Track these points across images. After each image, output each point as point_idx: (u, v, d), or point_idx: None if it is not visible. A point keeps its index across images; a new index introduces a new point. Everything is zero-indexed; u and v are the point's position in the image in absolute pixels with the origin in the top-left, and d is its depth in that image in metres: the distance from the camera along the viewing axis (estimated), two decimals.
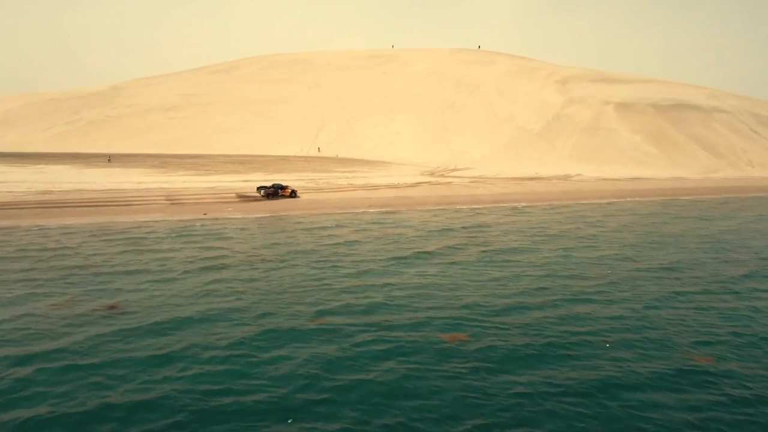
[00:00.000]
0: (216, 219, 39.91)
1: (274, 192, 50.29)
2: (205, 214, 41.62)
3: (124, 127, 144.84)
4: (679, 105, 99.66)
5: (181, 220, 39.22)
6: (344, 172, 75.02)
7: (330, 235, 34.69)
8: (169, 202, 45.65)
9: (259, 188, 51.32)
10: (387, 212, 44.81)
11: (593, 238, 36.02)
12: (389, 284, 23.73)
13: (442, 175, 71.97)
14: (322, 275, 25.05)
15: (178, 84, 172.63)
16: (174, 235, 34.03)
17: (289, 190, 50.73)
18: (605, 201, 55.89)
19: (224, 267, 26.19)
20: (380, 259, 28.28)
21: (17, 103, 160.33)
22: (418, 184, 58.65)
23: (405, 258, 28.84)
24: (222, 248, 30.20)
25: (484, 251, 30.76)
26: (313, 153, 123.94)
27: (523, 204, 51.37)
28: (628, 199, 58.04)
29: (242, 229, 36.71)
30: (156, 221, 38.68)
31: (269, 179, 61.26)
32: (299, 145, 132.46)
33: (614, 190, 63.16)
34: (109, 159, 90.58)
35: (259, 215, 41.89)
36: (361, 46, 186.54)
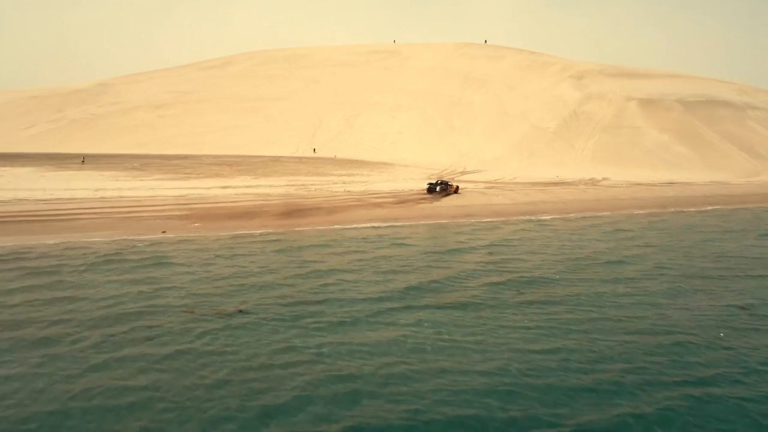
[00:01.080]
0: (173, 240, 31.34)
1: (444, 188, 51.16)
2: (163, 232, 33.08)
3: (109, 126, 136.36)
4: (709, 101, 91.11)
5: (128, 240, 30.64)
6: (341, 175, 66.46)
7: (307, 262, 26.11)
8: (120, 215, 37.07)
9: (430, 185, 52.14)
10: (388, 226, 36.32)
11: (660, 268, 27.40)
12: (381, 352, 15.14)
13: (452, 179, 63.39)
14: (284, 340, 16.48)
15: (168, 80, 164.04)
16: (102, 262, 25.46)
17: (454, 186, 51.61)
18: (645, 211, 47.32)
19: (146, 327, 17.58)
20: (371, 299, 19.73)
21: None
22: (424, 193, 50.04)
23: (403, 297, 20.31)
24: (157, 285, 21.61)
25: (515, 290, 22.19)
26: (309, 153, 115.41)
27: (552, 216, 42.87)
28: (672, 209, 49.35)
29: (202, 250, 28.11)
30: (94, 242, 30.08)
31: (253, 185, 52.72)
32: (294, 144, 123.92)
33: (654, 197, 54.55)
34: (83, 160, 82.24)
35: (223, 234, 33.33)
36: (361, 41, 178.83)
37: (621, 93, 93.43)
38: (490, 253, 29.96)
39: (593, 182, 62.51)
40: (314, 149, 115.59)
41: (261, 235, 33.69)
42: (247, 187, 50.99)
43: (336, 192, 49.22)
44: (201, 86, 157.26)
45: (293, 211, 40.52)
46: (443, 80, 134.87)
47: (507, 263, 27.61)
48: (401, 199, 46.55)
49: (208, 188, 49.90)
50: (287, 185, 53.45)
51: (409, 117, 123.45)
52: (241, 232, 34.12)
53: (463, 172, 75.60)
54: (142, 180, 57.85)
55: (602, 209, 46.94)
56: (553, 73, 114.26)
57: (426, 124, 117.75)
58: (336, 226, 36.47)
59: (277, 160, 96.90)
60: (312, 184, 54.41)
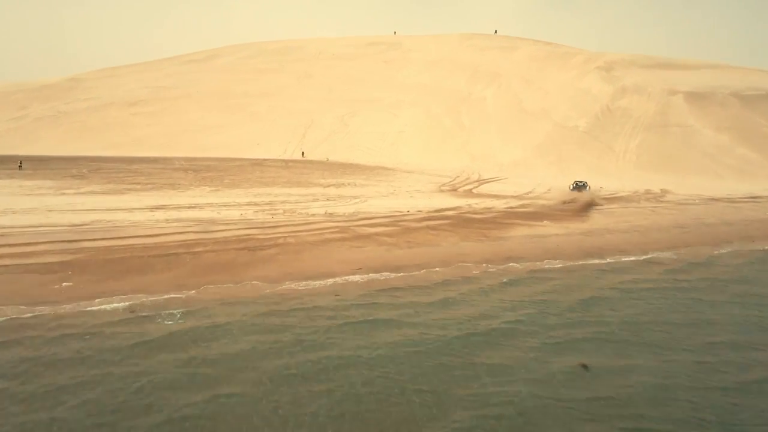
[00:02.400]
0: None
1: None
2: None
3: (76, 125, 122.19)
4: None
5: None
6: (328, 186, 52.22)
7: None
8: None
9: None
10: (387, 290, 22.03)
11: None
12: None
13: (470, 192, 49.03)
14: None
15: (146, 75, 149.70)
16: None
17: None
18: (761, 247, 32.91)
19: None
20: None
21: None
22: (440, 212, 35.57)
23: None
24: None
25: None
26: (298, 156, 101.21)
27: (631, 256, 28.64)
28: None
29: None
30: None
31: (202, 203, 38.39)
32: (282, 145, 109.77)
33: (750, 220, 40.17)
34: (20, 165, 68.21)
35: (96, 305, 19.02)
36: (358, 33, 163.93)
37: (661, 86, 79.09)
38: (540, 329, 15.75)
39: (654, 197, 48.23)
40: (303, 152, 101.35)
41: (160, 306, 19.41)
42: (190, 208, 36.63)
43: (313, 216, 34.89)
44: (182, 81, 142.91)
45: (240, 250, 26.25)
46: (450, 74, 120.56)
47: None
48: (406, 227, 32.22)
49: (133, 209, 35.50)
50: (250, 204, 39.10)
51: (411, 114, 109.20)
52: (134, 300, 19.82)
53: (479, 181, 61.22)
54: (62, 195, 43.48)
55: (694, 241, 32.53)
56: (575, 64, 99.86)
57: (431, 122, 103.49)
58: (297, 285, 22.18)
59: (258, 164, 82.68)
60: (285, 202, 40.07)
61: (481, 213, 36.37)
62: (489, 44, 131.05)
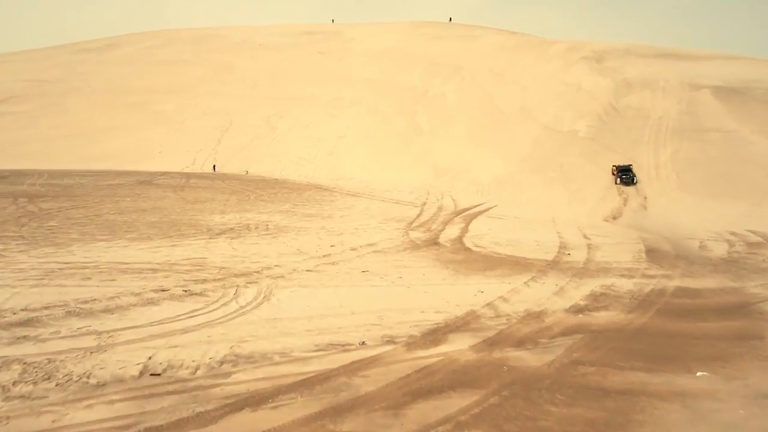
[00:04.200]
0: None
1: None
2: None
3: None
4: None
5: None
6: (220, 234, 30.26)
7: None
8: None
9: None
10: None
11: None
12: None
13: (460, 245, 28.10)
14: None
15: (24, 65, 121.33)
16: None
17: None
18: None
19: None
20: None
21: None
22: (434, 342, 15.06)
23: None
24: None
25: None
26: (208, 169, 77.87)
27: None
28: None
29: None
30: None
31: None
32: (191, 154, 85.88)
33: None
34: None
35: None
36: (289, 21, 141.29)
37: (678, 79, 61.33)
38: None
39: (748, 246, 28.90)
40: (214, 166, 78.07)
41: None
42: None
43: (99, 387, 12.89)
44: (70, 74, 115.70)
45: None
46: (399, 67, 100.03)
47: None
48: None
49: None
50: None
51: (354, 115, 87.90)
52: None
53: (459, 214, 40.56)
54: None
55: None
56: (555, 54, 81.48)
57: (379, 124, 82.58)
58: None
59: (146, 182, 58.98)
60: (89, 301, 18.06)
61: (526, 335, 15.68)
62: (444, 33, 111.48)
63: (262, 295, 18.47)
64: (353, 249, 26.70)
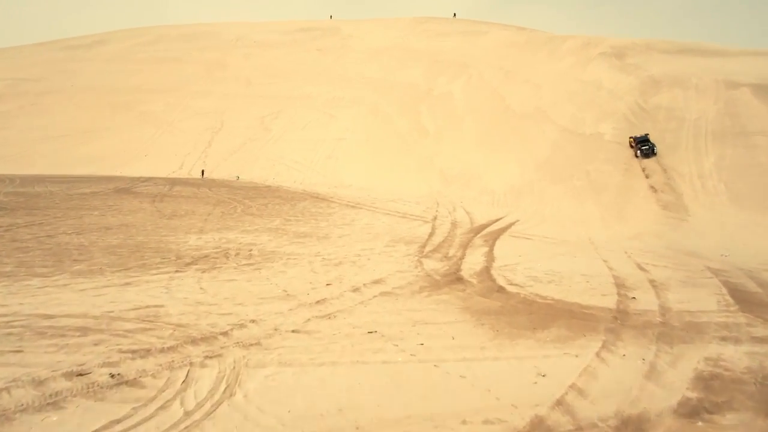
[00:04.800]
0: None
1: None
2: None
3: None
4: None
5: None
6: (189, 264, 24.56)
7: None
8: None
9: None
10: None
11: None
12: None
13: (490, 282, 22.42)
14: None
15: (5, 63, 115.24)
16: None
17: None
18: None
19: None
20: None
21: None
22: None
23: None
24: None
25: None
26: (197, 174, 72.06)
27: None
28: None
29: None
30: None
31: None
32: (179, 157, 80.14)
33: None
34: None
35: None
36: (286, 18, 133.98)
37: (710, 76, 55.50)
38: None
39: None
40: (203, 171, 72.31)
41: None
42: None
43: None
44: (53, 72, 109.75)
45: None
46: (401, 64, 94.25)
47: None
48: None
49: None
50: None
51: (353, 115, 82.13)
52: None
53: (478, 232, 34.72)
54: None
55: None
56: (569, 51, 75.68)
57: (381, 126, 76.83)
58: None
59: (124, 191, 52.98)
60: None
61: None
62: (448, 29, 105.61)
63: (224, 386, 12.53)
64: (355, 289, 20.81)
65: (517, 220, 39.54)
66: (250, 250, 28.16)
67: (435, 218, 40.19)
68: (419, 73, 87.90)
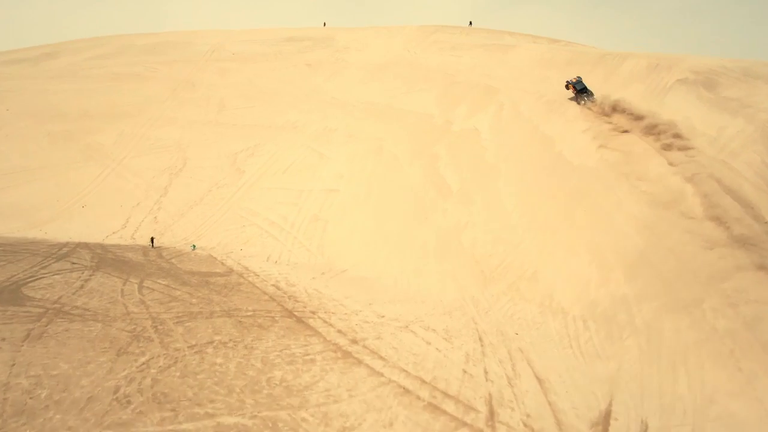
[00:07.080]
0: None
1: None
2: None
3: None
4: None
5: None
6: None
7: None
8: None
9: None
10: None
11: None
12: None
13: None
14: None
15: None
16: None
17: None
18: None
19: None
20: None
21: None
22: None
23: None
24: None
25: None
26: (145, 240, 53.54)
27: None
28: None
29: None
30: None
31: None
32: (126, 210, 61.70)
33: None
34: None
35: None
36: (272, 25, 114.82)
37: None
38: None
39: None
40: (152, 239, 53.60)
41: None
42: None
43: None
44: None
45: None
46: (410, 86, 75.89)
47: None
48: None
49: None
50: None
51: (351, 156, 63.80)
52: None
53: None
54: None
55: None
56: (634, 74, 57.46)
57: (386, 173, 58.52)
58: None
59: (3, 294, 34.18)
60: None
61: None
62: (464, 41, 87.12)
63: None
64: None
65: (647, 417, 21.10)
66: None
67: (489, 399, 21.75)
68: (432, 99, 69.50)
